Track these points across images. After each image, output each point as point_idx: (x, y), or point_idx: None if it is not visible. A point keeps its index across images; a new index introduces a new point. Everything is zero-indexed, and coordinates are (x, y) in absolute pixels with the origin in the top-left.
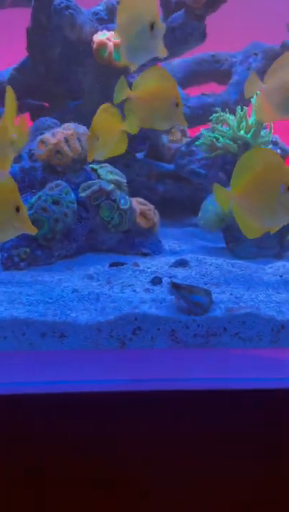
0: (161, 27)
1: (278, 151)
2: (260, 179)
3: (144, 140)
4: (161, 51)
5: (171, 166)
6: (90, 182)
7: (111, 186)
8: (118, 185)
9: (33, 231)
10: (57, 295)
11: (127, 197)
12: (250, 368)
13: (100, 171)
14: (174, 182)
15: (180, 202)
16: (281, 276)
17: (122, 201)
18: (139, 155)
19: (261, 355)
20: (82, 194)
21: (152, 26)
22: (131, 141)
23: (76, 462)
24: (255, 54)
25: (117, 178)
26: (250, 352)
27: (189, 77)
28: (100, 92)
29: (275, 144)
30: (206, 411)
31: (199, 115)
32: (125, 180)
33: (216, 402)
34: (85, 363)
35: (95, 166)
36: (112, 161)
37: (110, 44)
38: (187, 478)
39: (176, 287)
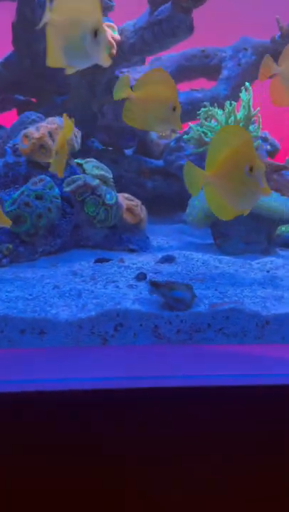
0: (105, 35)
1: (268, 147)
2: (229, 159)
3: (132, 136)
4: (104, 60)
5: (160, 162)
6: (74, 177)
7: (96, 181)
8: (104, 180)
9: (7, 223)
10: (37, 291)
11: (113, 192)
12: (234, 364)
13: (85, 166)
14: (163, 178)
15: (169, 198)
16: (268, 271)
17: (108, 196)
18: (128, 151)
19: (246, 351)
20: (67, 189)
21: (96, 33)
22: (119, 137)
23: (63, 462)
24: (245, 49)
25: (102, 173)
26: (234, 348)
27: (179, 72)
28: (86, 87)
29: (265, 139)
30: (191, 408)
31: (188, 111)
32: (111, 176)
33: (201, 399)
34: (66, 360)
35: (80, 161)
36: (100, 157)
37: None
38: (181, 478)
39: (155, 285)
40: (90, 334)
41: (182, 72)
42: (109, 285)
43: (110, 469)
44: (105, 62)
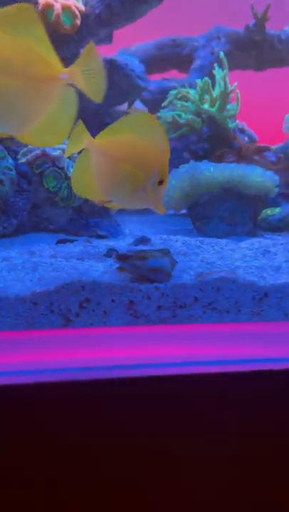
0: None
1: (246, 138)
2: (133, 148)
3: (100, 125)
4: None
5: None
6: (31, 146)
7: (57, 152)
8: None
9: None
10: None
11: None
12: (228, 347)
13: None
14: None
15: None
16: (257, 249)
17: (72, 170)
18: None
19: (240, 332)
20: (23, 160)
21: None
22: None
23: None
24: (218, 38)
25: (65, 147)
26: (227, 327)
27: (149, 63)
28: None
29: (242, 131)
30: (172, 400)
31: (160, 100)
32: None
33: (186, 389)
34: (17, 347)
35: None
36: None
37: (58, 5)
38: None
39: (123, 259)
40: (49, 313)
41: (153, 62)
42: (73, 260)
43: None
44: None
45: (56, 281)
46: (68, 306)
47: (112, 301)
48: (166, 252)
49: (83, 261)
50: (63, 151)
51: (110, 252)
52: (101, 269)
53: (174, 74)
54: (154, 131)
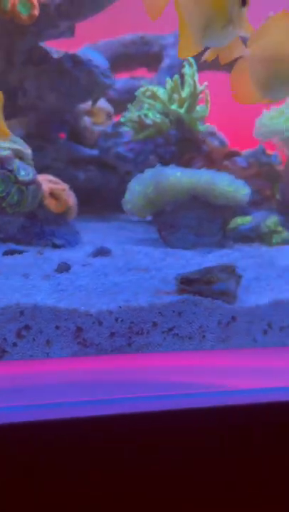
0: None
1: (216, 142)
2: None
3: (62, 123)
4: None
5: (94, 151)
6: None
7: (7, 152)
8: (19, 155)
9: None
10: None
11: (30, 168)
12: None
13: None
14: (98, 169)
15: (105, 193)
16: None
17: (23, 172)
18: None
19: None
20: None
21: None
22: (44, 123)
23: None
24: None
25: (17, 147)
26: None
27: (116, 61)
28: (2, 56)
29: (212, 134)
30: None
31: (126, 99)
32: (30, 152)
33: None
34: None
35: None
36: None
37: None
38: None
39: (187, 283)
40: None
41: (119, 60)
42: (16, 277)
43: None
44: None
45: None
46: (4, 335)
47: (57, 328)
48: (230, 268)
49: (27, 278)
50: (13, 151)
51: (62, 266)
52: (46, 290)
53: (142, 73)
54: None
